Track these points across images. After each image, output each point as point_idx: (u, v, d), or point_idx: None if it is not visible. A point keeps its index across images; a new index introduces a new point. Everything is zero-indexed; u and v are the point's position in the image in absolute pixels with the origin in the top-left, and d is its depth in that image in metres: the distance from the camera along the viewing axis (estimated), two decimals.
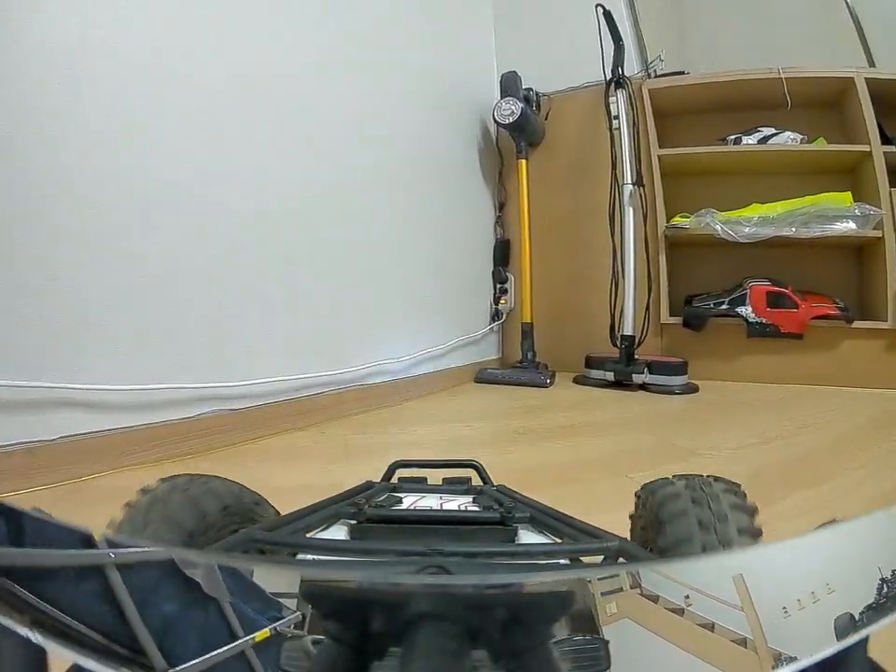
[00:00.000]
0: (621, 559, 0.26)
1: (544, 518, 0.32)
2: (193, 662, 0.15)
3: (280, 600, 0.16)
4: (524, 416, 1.50)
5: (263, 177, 1.29)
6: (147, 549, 0.17)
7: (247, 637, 0.16)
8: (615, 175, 2.00)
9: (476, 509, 0.35)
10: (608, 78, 2.03)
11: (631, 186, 1.96)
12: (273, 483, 0.69)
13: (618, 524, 0.35)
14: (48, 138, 0.91)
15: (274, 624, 0.16)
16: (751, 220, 1.90)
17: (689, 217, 2.00)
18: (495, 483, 0.45)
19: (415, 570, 0.20)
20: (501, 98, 2.08)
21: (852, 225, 1.83)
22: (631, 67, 2.12)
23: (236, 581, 0.16)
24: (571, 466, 1.03)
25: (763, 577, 0.16)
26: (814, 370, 1.89)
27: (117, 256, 1.01)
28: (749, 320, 1.93)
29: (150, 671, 0.15)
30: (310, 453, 1.15)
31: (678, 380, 1.84)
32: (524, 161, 2.18)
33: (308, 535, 0.30)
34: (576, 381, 2.04)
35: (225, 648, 0.16)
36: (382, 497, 0.37)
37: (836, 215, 1.83)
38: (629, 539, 0.36)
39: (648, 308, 1.97)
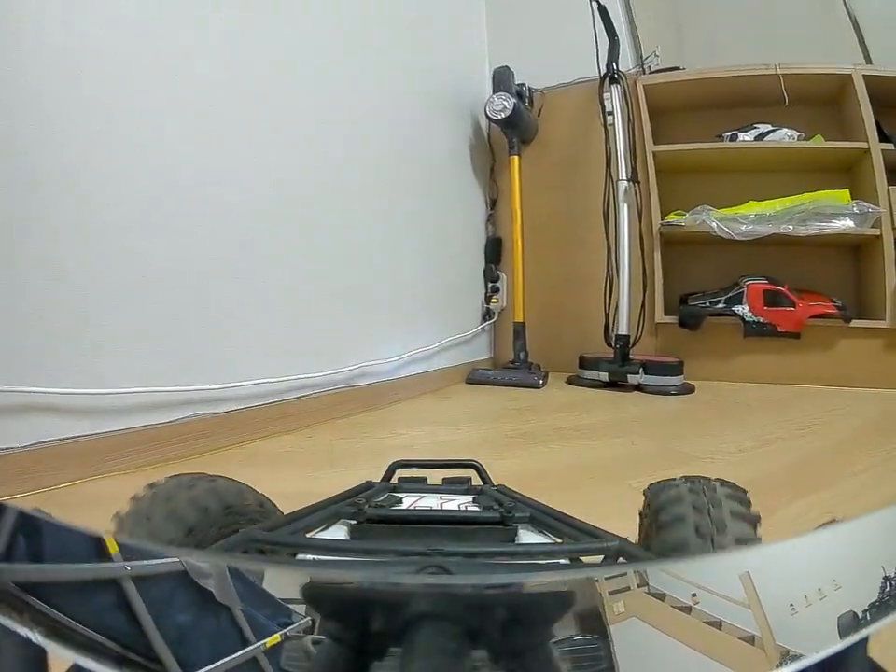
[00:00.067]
0: (621, 559, 0.26)
1: (544, 518, 0.32)
2: (207, 669, 0.15)
3: (283, 602, 0.17)
4: (516, 418, 1.46)
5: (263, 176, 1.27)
6: (147, 548, 0.17)
7: (258, 644, 0.16)
8: (609, 171, 1.97)
9: (476, 509, 0.35)
10: (602, 73, 1.99)
11: (626, 182, 1.93)
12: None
13: (618, 533, 0.32)
14: (50, 136, 0.89)
15: (285, 630, 0.16)
16: (748, 218, 1.88)
17: (684, 215, 1.97)
18: (495, 483, 0.45)
19: (415, 570, 0.20)
20: (493, 93, 2.04)
21: (850, 223, 1.80)
22: (626, 63, 2.09)
23: (246, 588, 0.17)
24: (566, 471, 0.99)
25: (768, 574, 0.16)
26: (811, 369, 1.87)
27: (121, 252, 0.99)
28: (746, 319, 1.90)
29: None
30: (295, 458, 1.10)
31: (673, 380, 1.81)
32: (516, 158, 2.15)
33: (308, 535, 0.30)
34: (569, 381, 2.00)
35: (237, 654, 0.16)
36: (382, 497, 0.37)
37: (834, 212, 1.81)
38: (637, 535, 0.37)
39: (643, 307, 1.94)
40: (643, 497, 0.39)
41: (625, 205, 1.92)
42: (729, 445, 1.13)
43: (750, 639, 0.16)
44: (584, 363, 1.96)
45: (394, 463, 0.49)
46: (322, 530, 0.32)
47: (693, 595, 0.16)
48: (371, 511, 0.32)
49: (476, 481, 0.46)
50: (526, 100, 2.17)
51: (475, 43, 2.37)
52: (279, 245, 1.32)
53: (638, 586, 0.16)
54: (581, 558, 0.26)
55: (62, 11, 0.90)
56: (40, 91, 0.88)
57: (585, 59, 2.00)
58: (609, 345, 1.93)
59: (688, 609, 0.16)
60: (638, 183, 1.95)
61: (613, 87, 1.97)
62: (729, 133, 1.99)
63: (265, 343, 1.27)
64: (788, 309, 1.86)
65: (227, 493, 0.38)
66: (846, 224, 1.81)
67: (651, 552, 0.33)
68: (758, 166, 2.05)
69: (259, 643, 0.16)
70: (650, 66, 2.11)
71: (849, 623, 0.15)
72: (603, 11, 1.94)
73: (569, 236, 2.21)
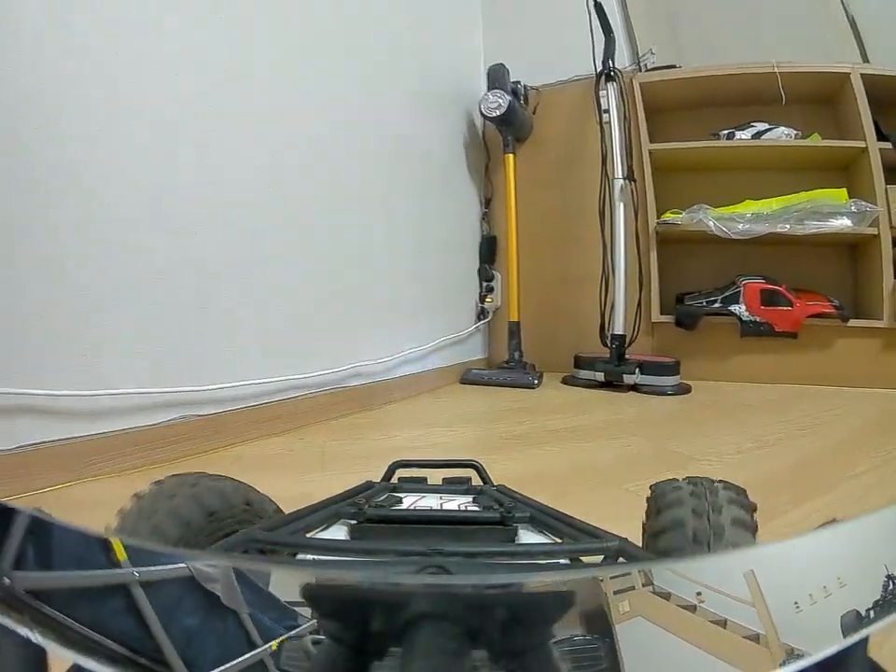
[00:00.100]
0: (621, 559, 0.26)
1: (544, 518, 0.32)
2: None
3: (287, 604, 0.16)
4: (510, 419, 1.44)
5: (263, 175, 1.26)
6: (150, 550, 0.18)
7: (265, 647, 0.16)
8: (605, 169, 1.95)
9: (476, 509, 0.35)
10: (598, 71, 1.97)
11: (622, 180, 1.90)
12: None
13: None
14: (51, 135, 0.89)
15: (291, 633, 0.16)
16: (745, 216, 1.86)
17: (681, 213, 1.95)
18: (495, 483, 0.45)
19: (415, 570, 0.20)
20: (488, 91, 2.01)
21: (848, 222, 1.79)
22: (622, 61, 2.08)
23: (252, 590, 0.16)
24: (562, 474, 0.97)
25: (772, 573, 0.16)
26: (809, 369, 1.85)
27: (123, 249, 0.99)
28: (743, 319, 1.88)
29: None
30: (285, 460, 1.08)
31: (670, 380, 1.79)
32: (511, 156, 2.12)
33: (308, 535, 0.30)
34: (564, 381, 1.98)
35: (244, 657, 0.16)
36: (382, 497, 0.37)
37: (832, 211, 1.80)
38: (642, 532, 0.37)
39: (639, 306, 1.92)
40: (648, 493, 0.39)
41: (621, 204, 1.90)
42: (727, 446, 1.11)
43: (755, 638, 0.16)
44: (580, 363, 1.94)
45: (394, 463, 0.49)
46: (322, 530, 0.32)
47: (699, 593, 0.16)
48: (371, 511, 0.32)
49: (476, 481, 0.46)
50: (522, 97, 2.15)
51: (470, 40, 2.34)
52: (279, 245, 1.31)
53: (643, 585, 0.16)
54: (582, 558, 0.26)
55: (62, 11, 0.90)
56: (40, 90, 0.87)
57: (581, 56, 1.98)
58: (605, 345, 1.91)
59: (693, 608, 0.16)
60: (635, 181, 1.93)
61: (609, 85, 1.95)
62: (726, 132, 1.97)
63: (264, 342, 1.26)
64: (785, 308, 1.84)
65: (230, 493, 0.38)
66: (843, 223, 1.79)
67: (652, 552, 0.34)
68: (755, 165, 2.03)
69: (265, 646, 0.16)
70: (646, 64, 2.09)
71: (853, 622, 0.15)
72: (599, 8, 1.92)
73: (565, 235, 2.19)
